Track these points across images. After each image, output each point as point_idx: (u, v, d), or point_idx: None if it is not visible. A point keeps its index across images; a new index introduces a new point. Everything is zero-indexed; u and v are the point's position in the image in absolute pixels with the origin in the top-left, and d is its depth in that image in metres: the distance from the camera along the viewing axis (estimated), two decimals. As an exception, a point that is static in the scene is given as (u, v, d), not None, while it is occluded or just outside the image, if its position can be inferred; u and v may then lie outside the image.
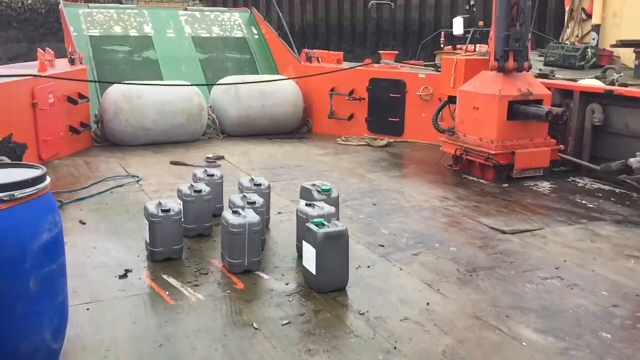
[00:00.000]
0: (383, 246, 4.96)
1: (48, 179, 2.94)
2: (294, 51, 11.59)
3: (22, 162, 3.40)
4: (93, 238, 5.05)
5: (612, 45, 10.03)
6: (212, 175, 5.56)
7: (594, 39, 10.29)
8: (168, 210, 4.52)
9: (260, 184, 5.30)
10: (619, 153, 7.00)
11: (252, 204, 4.72)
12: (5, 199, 2.71)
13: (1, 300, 2.76)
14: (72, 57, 9.01)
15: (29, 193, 2.79)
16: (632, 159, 4.75)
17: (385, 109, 9.57)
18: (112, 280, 4.22)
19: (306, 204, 4.66)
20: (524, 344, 3.47)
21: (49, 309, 2.94)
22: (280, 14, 13.36)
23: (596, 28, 10.36)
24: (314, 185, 5.08)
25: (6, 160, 5.21)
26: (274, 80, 10.08)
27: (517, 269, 4.53)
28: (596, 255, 4.84)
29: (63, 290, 3.08)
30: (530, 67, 7.30)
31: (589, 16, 10.61)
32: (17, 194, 2.75)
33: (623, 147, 6.99)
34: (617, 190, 6.69)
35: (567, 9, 11.24)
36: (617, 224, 5.62)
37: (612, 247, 5.02)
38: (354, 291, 4.10)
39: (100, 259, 4.61)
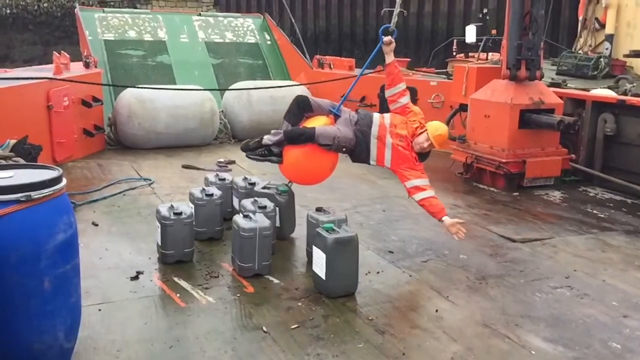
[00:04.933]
0: (392, 252, 4.97)
1: (64, 181, 2.99)
2: (306, 57, 11.65)
3: (39, 164, 3.45)
4: (105, 240, 5.10)
5: (625, 55, 9.98)
6: (224, 179, 5.61)
7: (607, 48, 10.24)
8: (180, 214, 4.57)
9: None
10: (631, 163, 6.99)
11: (263, 208, 4.75)
12: (22, 199, 2.76)
13: (16, 299, 2.81)
14: (87, 60, 9.12)
15: (46, 194, 2.84)
16: (266, 136, 4.99)
17: (396, 116, 9.56)
18: (124, 281, 4.26)
19: (316, 209, 4.69)
20: (532, 352, 3.47)
21: (62, 308, 2.98)
22: (293, 20, 13.43)
23: (609, 38, 10.31)
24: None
25: (21, 161, 5.27)
26: (286, 85, 10.13)
27: (526, 278, 4.52)
28: (606, 265, 4.83)
29: (77, 291, 3.12)
30: (542, 76, 7.29)
31: (603, 26, 10.57)
32: (34, 194, 2.79)
33: (635, 157, 6.97)
34: (629, 201, 6.67)
35: (580, 18, 11.21)
36: (628, 234, 5.60)
37: (623, 258, 5.00)
38: (363, 297, 4.12)
39: (112, 260, 4.66)
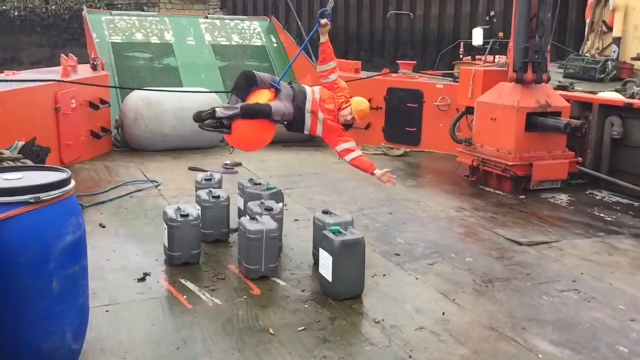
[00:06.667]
0: (399, 255, 4.97)
1: (73, 182, 3.01)
2: (312, 59, 11.64)
3: (48, 165, 3.47)
4: (112, 241, 5.12)
5: (633, 58, 9.95)
6: (210, 179, 5.72)
7: (614, 51, 10.20)
8: (187, 215, 4.58)
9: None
10: (638, 166, 6.96)
11: (269, 210, 4.76)
12: (31, 201, 2.78)
13: (25, 300, 2.83)
14: (94, 63, 9.15)
15: (55, 196, 2.86)
16: (218, 108, 5.28)
17: (402, 118, 9.58)
18: (131, 283, 4.28)
19: (323, 212, 4.70)
20: (539, 356, 3.47)
21: (70, 309, 3.00)
22: (300, 23, 13.43)
23: (617, 41, 10.27)
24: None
25: (29, 163, 5.30)
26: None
27: (533, 281, 4.52)
28: (614, 268, 4.81)
29: (84, 292, 3.14)
30: (549, 79, 7.28)
31: (610, 29, 10.53)
32: (43, 196, 2.81)
33: (642, 160, 6.94)
34: (636, 204, 6.64)
35: (587, 21, 11.18)
36: (635, 237, 5.57)
37: (630, 261, 4.98)
38: (370, 299, 4.12)
39: (120, 262, 4.68)
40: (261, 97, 5.19)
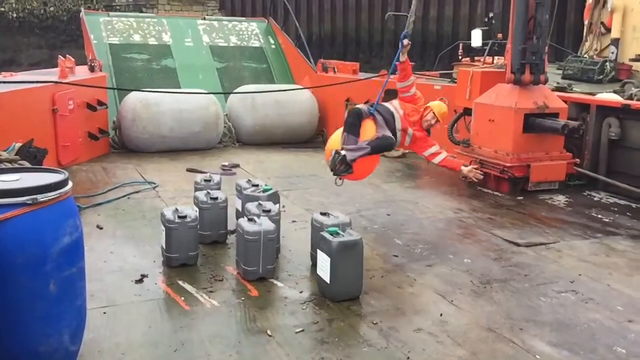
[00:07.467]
0: (397, 256, 4.97)
1: (70, 184, 3.00)
2: (310, 61, 11.67)
3: (45, 167, 3.47)
4: (110, 243, 5.11)
5: (631, 60, 9.98)
6: (209, 180, 5.73)
7: (612, 52, 10.22)
8: (184, 217, 4.58)
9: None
10: (636, 167, 6.97)
11: (267, 211, 4.76)
12: (28, 202, 2.78)
13: (22, 302, 2.82)
14: (92, 64, 9.16)
15: (52, 197, 2.85)
16: (347, 154, 5.49)
17: (400, 119, 9.57)
18: (129, 284, 4.27)
19: (321, 213, 4.70)
20: (537, 357, 3.46)
21: (68, 311, 2.99)
22: (298, 25, 13.46)
23: (615, 42, 10.29)
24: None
25: (26, 164, 5.30)
26: (290, 89, 10.14)
27: (531, 282, 4.52)
28: (611, 269, 4.82)
29: (82, 294, 3.13)
30: (546, 80, 7.28)
31: (608, 30, 10.55)
32: (40, 197, 2.81)
33: (639, 161, 6.95)
34: (634, 205, 6.65)
35: (586, 22, 11.20)
36: (633, 238, 5.58)
37: (628, 262, 4.99)
38: (368, 301, 4.11)
39: (117, 263, 4.67)
40: (368, 129, 5.58)
